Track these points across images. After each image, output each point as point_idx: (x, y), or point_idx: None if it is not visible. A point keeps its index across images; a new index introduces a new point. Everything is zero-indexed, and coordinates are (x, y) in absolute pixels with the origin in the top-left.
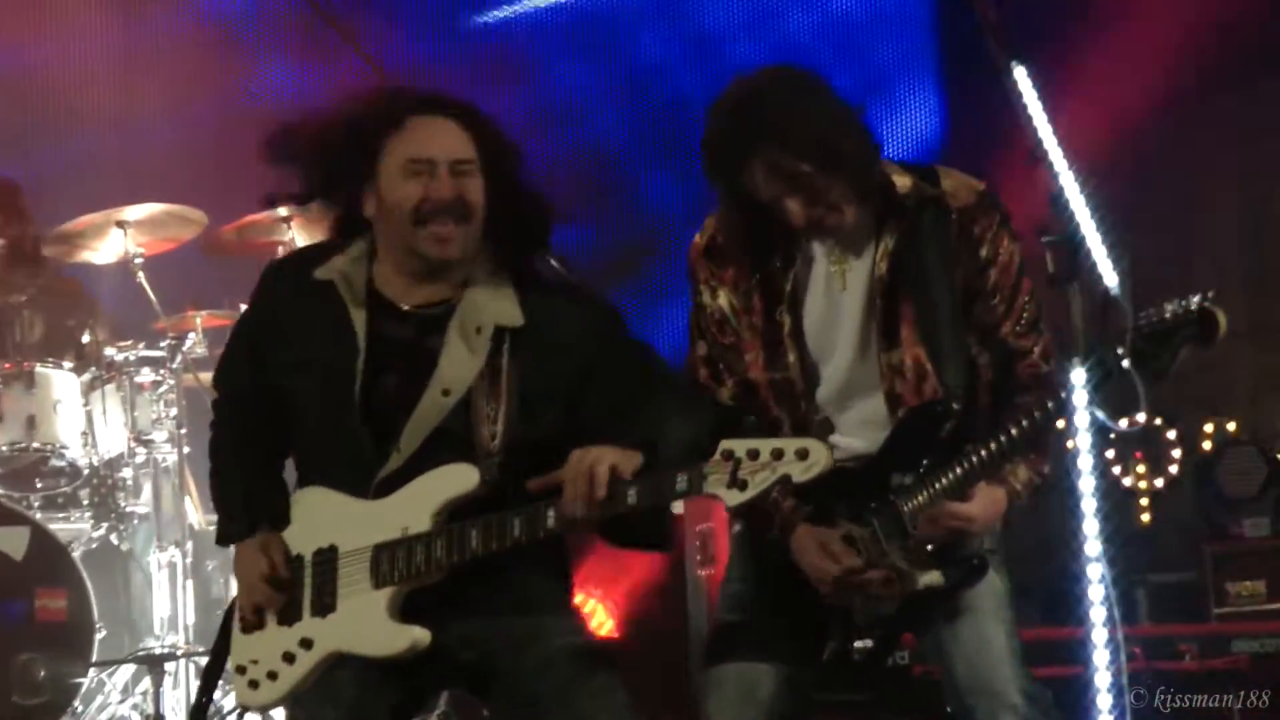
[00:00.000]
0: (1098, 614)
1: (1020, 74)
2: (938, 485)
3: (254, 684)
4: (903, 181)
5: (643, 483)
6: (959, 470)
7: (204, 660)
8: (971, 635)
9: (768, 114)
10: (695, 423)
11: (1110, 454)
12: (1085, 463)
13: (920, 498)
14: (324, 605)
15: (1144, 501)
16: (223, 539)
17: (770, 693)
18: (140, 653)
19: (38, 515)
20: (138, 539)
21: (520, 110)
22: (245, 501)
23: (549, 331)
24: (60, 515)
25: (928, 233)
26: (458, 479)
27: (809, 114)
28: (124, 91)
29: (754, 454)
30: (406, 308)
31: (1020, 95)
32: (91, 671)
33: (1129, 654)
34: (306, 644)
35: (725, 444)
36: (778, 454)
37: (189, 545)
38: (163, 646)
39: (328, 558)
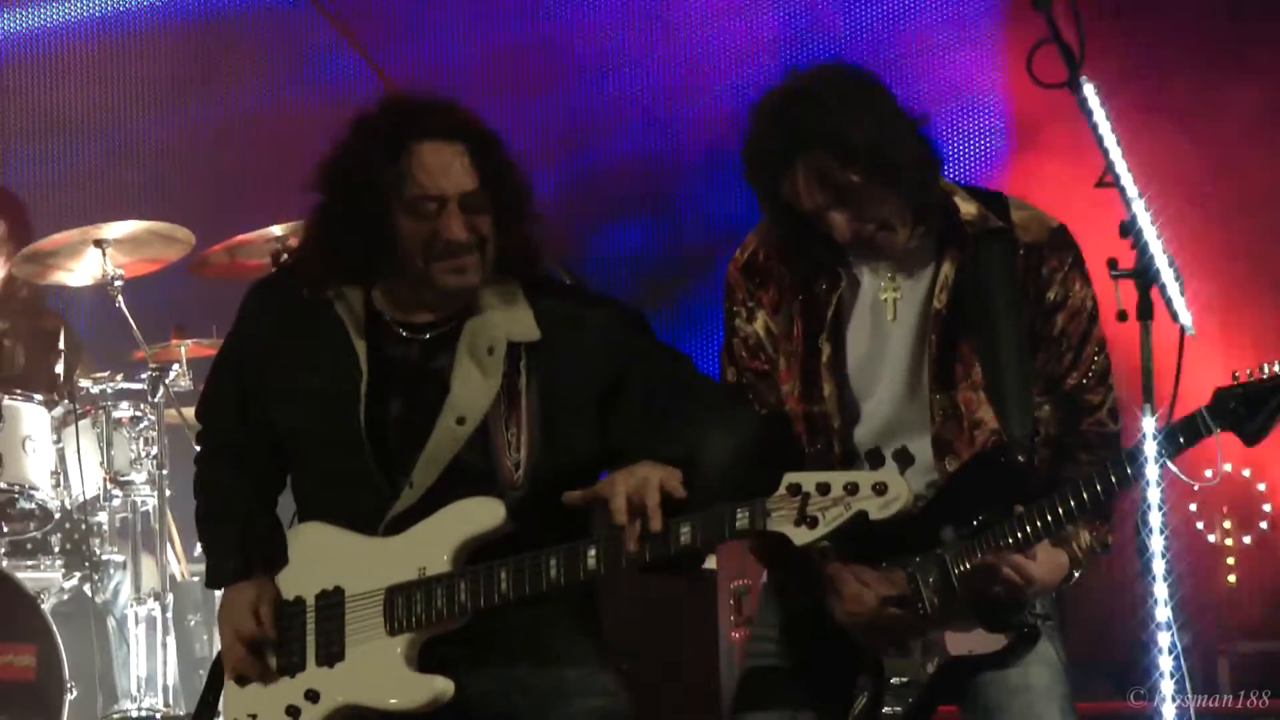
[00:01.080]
0: (1168, 686)
1: (1089, 91)
2: (991, 544)
3: None
4: (967, 208)
5: (698, 519)
6: (1019, 533)
7: None
8: (1023, 713)
9: (817, 115)
10: (738, 434)
11: (1193, 507)
12: (1155, 519)
13: (973, 557)
14: (331, 654)
15: (1230, 560)
16: (213, 581)
17: None
18: (115, 715)
19: (4, 562)
20: (114, 590)
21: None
22: (238, 540)
23: (570, 343)
24: (29, 563)
25: (993, 266)
26: (481, 514)
27: (863, 118)
28: (105, 98)
29: (824, 488)
30: (407, 329)
31: (1090, 114)
32: None
33: None
34: (313, 696)
35: (791, 477)
36: (852, 488)
37: (169, 598)
38: (140, 710)
39: (333, 601)
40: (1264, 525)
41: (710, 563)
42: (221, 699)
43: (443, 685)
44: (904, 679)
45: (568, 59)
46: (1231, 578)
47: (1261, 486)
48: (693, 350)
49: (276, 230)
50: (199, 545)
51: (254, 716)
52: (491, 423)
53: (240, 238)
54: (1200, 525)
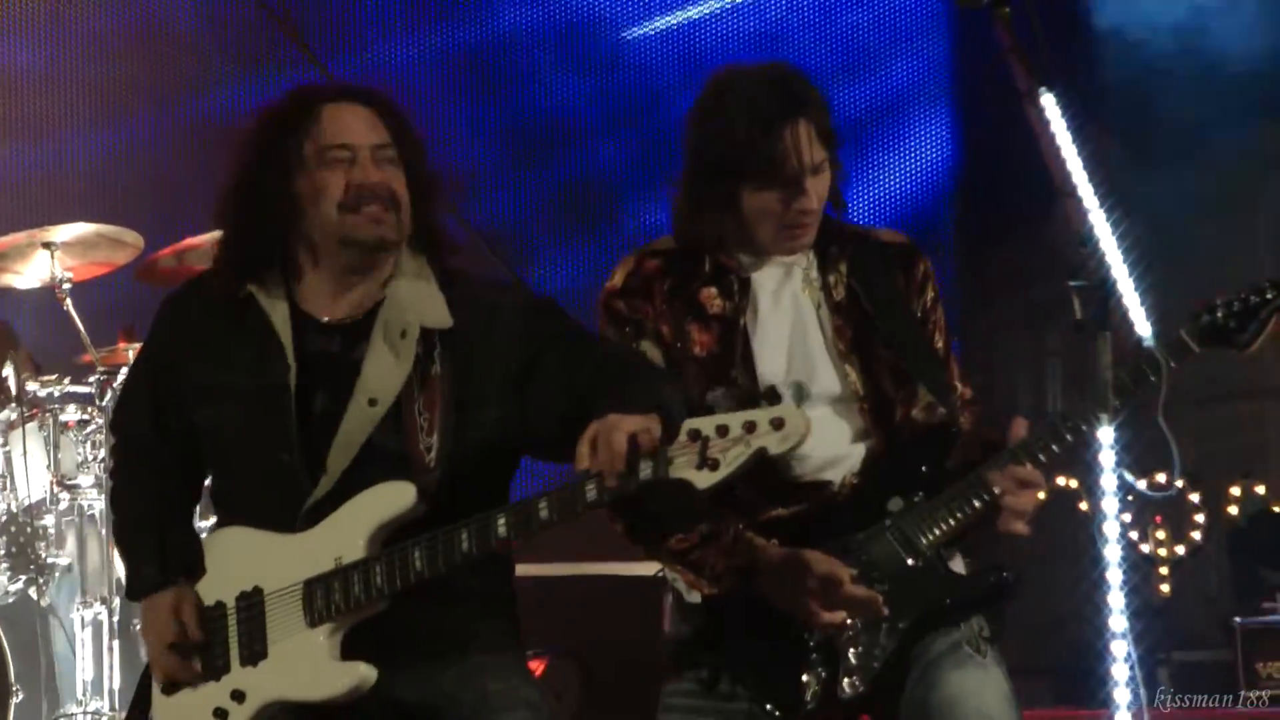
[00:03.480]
0: (1123, 695)
1: (1048, 101)
2: (959, 512)
3: None
4: (837, 222)
5: (598, 476)
6: (977, 501)
7: None
8: None
9: (806, 85)
10: (680, 390)
11: (1126, 517)
12: (1111, 529)
13: (942, 524)
14: (254, 653)
15: (1164, 571)
16: (132, 593)
17: None
18: (61, 719)
19: None
20: (59, 594)
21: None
22: (155, 549)
23: (482, 330)
24: None
25: (875, 264)
26: (393, 498)
27: (827, 106)
28: (53, 100)
29: (723, 430)
30: (329, 320)
31: (1048, 124)
32: None
33: None
34: (239, 696)
35: (690, 423)
36: (750, 426)
37: (116, 602)
38: (85, 713)
39: (254, 601)
40: (1197, 536)
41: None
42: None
43: (365, 671)
44: (860, 647)
45: (521, 64)
46: (1165, 587)
47: (1195, 498)
48: None
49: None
50: None
51: None
52: (404, 405)
53: (189, 241)
54: (1135, 536)
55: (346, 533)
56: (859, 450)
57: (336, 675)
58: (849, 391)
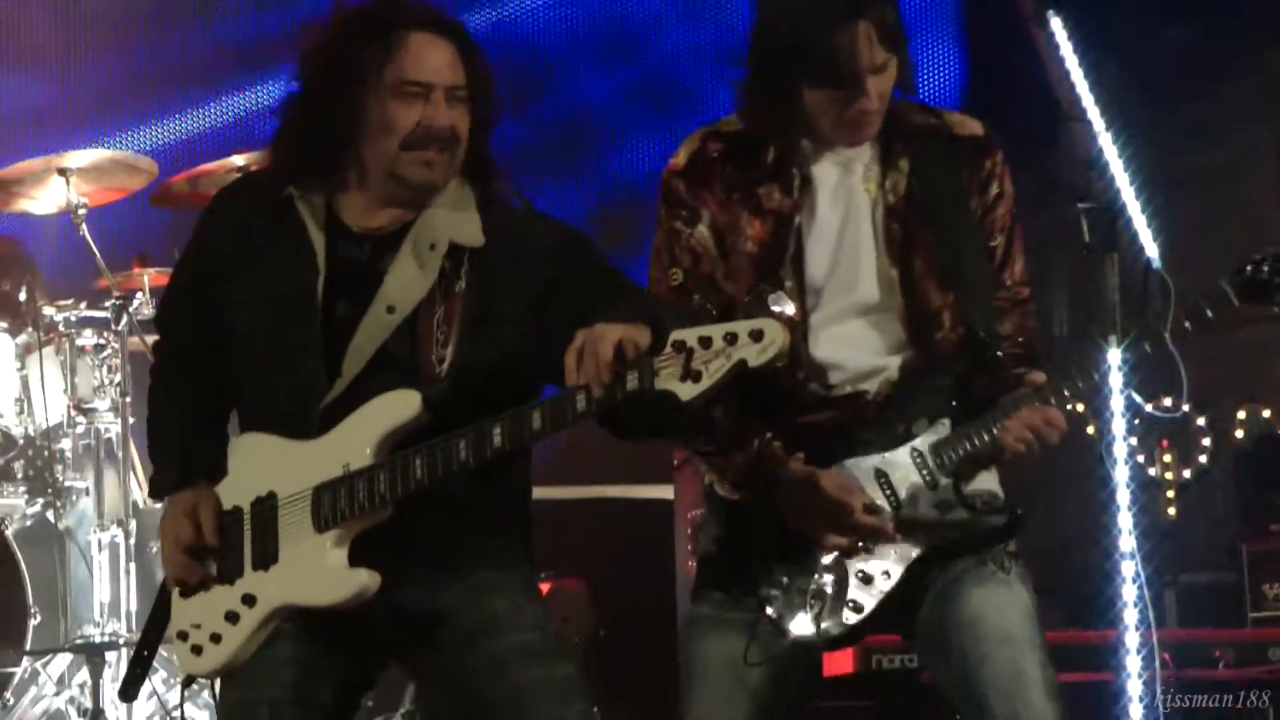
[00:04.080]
0: (1131, 616)
1: (1056, 26)
2: (977, 439)
3: (197, 649)
4: (908, 108)
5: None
6: (992, 432)
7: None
8: (1008, 667)
9: None
10: (687, 318)
11: (1134, 441)
12: (1120, 450)
13: (959, 449)
14: (266, 557)
15: (1170, 494)
16: (155, 491)
17: (758, 683)
18: (78, 641)
19: None
20: (77, 517)
21: None
22: (181, 452)
23: (511, 252)
24: None
25: (939, 163)
26: (398, 406)
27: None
28: (68, 31)
29: (706, 341)
30: (361, 230)
31: (1056, 48)
32: (25, 661)
33: (1161, 660)
34: (250, 600)
35: (675, 334)
36: (730, 338)
37: (133, 525)
38: (103, 634)
39: (267, 506)
40: (1203, 460)
41: (668, 493)
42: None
43: (367, 579)
44: (869, 574)
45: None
46: (1172, 510)
47: (1201, 421)
48: None
49: (238, 160)
50: None
51: (197, 625)
52: (422, 316)
53: (202, 167)
54: (1140, 459)
55: (354, 440)
56: (895, 363)
57: (340, 582)
58: (891, 300)
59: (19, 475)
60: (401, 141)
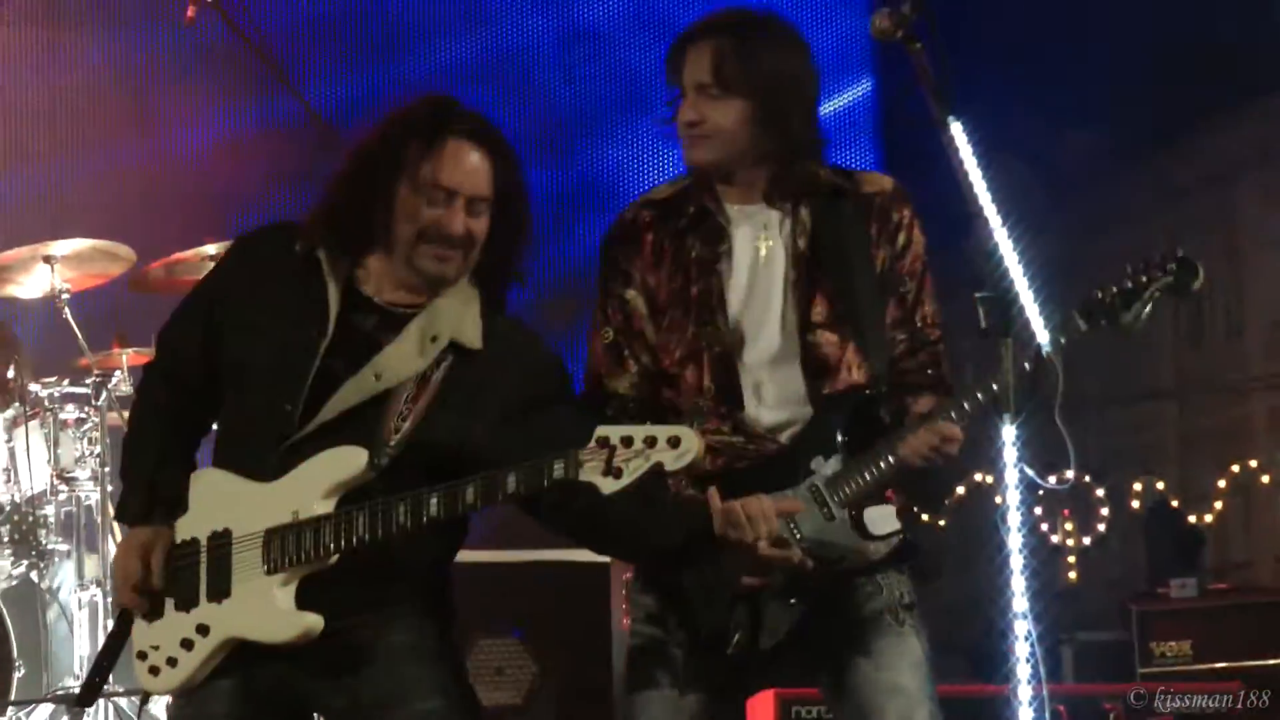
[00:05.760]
0: (1023, 671)
1: (957, 129)
2: (871, 471)
3: (154, 670)
4: (821, 170)
5: (522, 469)
6: (886, 461)
7: (123, 701)
8: (899, 717)
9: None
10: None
11: (1038, 510)
12: (1014, 519)
13: (854, 482)
14: (220, 590)
15: (1071, 559)
16: (120, 515)
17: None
18: (59, 691)
19: None
20: (59, 577)
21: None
22: (150, 482)
23: (502, 360)
24: None
25: (846, 217)
26: (345, 461)
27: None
28: (53, 127)
29: (628, 441)
30: (378, 301)
31: (956, 151)
32: (10, 711)
33: (1054, 712)
34: (203, 630)
35: (600, 430)
36: (650, 441)
37: (110, 584)
38: (81, 686)
39: (223, 542)
40: (1101, 528)
41: (605, 557)
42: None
43: (311, 622)
44: (779, 601)
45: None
46: (1073, 574)
47: (1099, 492)
48: None
49: (210, 249)
50: None
51: (156, 648)
52: (399, 392)
53: (177, 255)
54: (1045, 527)
55: (306, 489)
56: (799, 410)
57: (287, 622)
58: (792, 348)
59: (5, 539)
60: (419, 233)
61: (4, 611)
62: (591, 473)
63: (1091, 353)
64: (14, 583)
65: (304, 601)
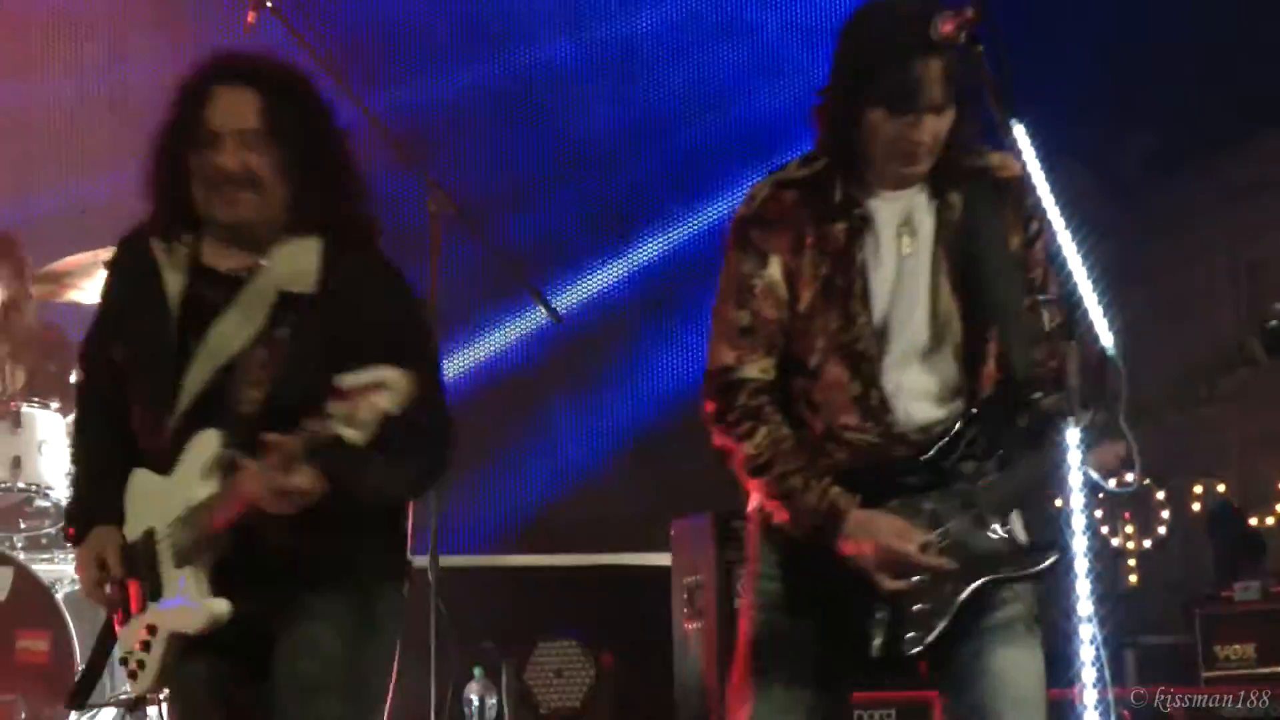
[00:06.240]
0: (1089, 675)
1: (1019, 132)
2: (1030, 477)
3: (133, 674)
4: (957, 152)
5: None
6: (1040, 458)
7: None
8: None
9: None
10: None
11: (1099, 513)
12: (1078, 522)
13: (1003, 486)
14: (155, 589)
15: (1131, 562)
16: (68, 538)
17: (813, 704)
18: (122, 696)
19: (21, 556)
20: None
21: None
22: (83, 498)
23: (341, 304)
24: (44, 556)
25: (987, 201)
26: (205, 445)
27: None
28: (116, 135)
29: (358, 389)
30: (221, 271)
31: (1020, 153)
32: (73, 715)
33: (1118, 716)
34: (152, 630)
35: (339, 380)
36: (370, 387)
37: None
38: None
39: (150, 541)
40: (1162, 531)
41: (665, 560)
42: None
43: (216, 608)
44: (925, 605)
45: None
46: (1133, 578)
47: (1160, 495)
48: None
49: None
50: None
51: (130, 652)
52: (245, 359)
53: None
54: (1105, 530)
55: (190, 477)
56: (948, 406)
57: (199, 611)
58: (943, 340)
59: (68, 544)
60: (206, 183)
61: (67, 616)
62: (339, 425)
63: (1154, 355)
64: (77, 587)
65: (225, 589)
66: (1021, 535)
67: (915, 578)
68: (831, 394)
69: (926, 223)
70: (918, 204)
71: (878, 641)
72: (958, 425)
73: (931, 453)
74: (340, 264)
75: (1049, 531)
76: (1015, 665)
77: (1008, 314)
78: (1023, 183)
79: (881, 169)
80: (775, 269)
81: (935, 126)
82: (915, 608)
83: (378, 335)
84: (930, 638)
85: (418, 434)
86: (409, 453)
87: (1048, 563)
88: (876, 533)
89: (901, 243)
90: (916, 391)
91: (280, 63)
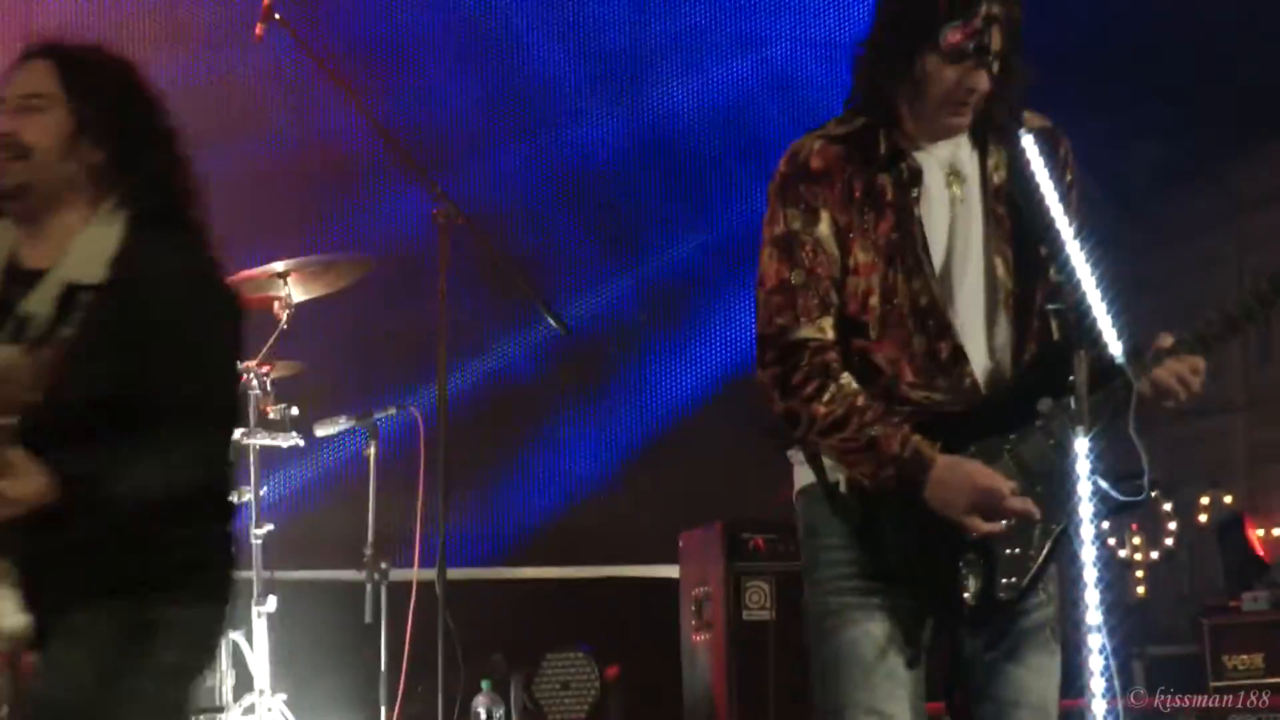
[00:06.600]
0: (1098, 685)
1: (1027, 142)
2: (1108, 405)
3: None
4: (992, 110)
5: None
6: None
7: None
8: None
9: None
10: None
11: (1105, 525)
12: (1087, 532)
13: (1089, 426)
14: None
15: (1139, 574)
16: None
17: (911, 667)
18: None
19: None
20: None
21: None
22: None
23: (127, 292)
24: None
25: (1029, 152)
26: None
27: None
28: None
29: None
30: (28, 268)
31: (1028, 163)
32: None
33: None
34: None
35: None
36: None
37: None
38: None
39: None
40: (1169, 542)
41: (673, 571)
42: None
43: (9, 623)
44: (1016, 549)
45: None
46: (1141, 589)
47: (1167, 507)
48: None
49: (278, 267)
50: None
51: None
52: (36, 357)
53: (243, 273)
54: (1112, 541)
55: None
56: (1007, 346)
57: (6, 627)
58: (999, 286)
59: None
60: None
61: None
62: None
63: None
64: None
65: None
66: (1107, 471)
67: (1006, 521)
68: (897, 352)
69: (973, 172)
70: (962, 154)
71: (973, 589)
72: (1016, 360)
73: (1006, 395)
74: (138, 247)
75: (1135, 465)
76: (1039, 672)
77: (1053, 261)
78: (1054, 131)
79: (930, 119)
80: (825, 225)
81: (991, 75)
82: (1007, 552)
83: (159, 335)
84: (1025, 582)
85: (176, 424)
86: (167, 446)
87: (1140, 496)
88: (966, 476)
89: (953, 191)
90: (980, 342)
91: (85, 39)
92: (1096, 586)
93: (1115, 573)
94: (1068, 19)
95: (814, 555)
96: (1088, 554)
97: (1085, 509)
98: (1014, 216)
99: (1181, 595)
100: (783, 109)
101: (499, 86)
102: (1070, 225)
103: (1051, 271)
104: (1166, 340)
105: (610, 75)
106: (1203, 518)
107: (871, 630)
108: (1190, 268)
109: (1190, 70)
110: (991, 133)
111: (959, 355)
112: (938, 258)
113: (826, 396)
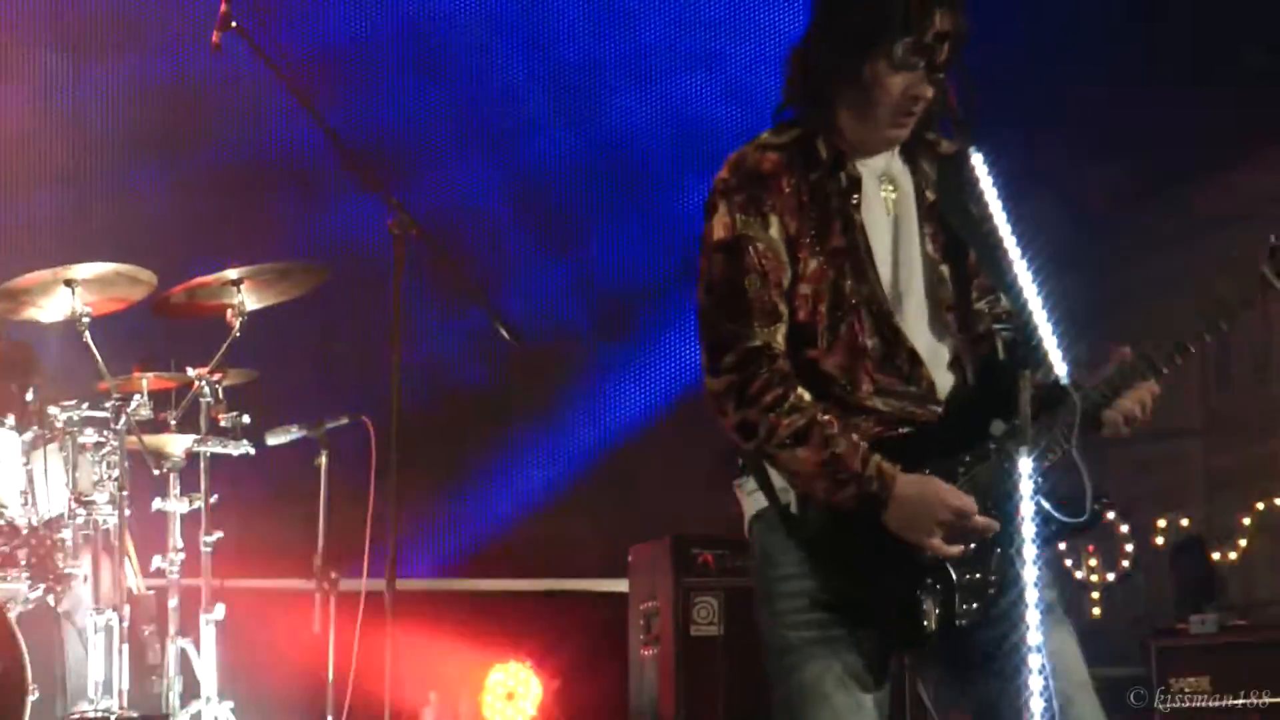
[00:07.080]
0: (1037, 705)
1: (978, 160)
2: (1061, 434)
3: None
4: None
5: None
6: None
7: None
8: (1094, 714)
9: None
10: None
11: (1062, 546)
12: (1029, 553)
13: (1033, 438)
14: None
15: (1095, 595)
16: None
17: (876, 697)
18: (74, 716)
19: None
20: (75, 601)
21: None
22: None
23: None
24: None
25: (953, 170)
26: None
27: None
28: (76, 150)
29: None
30: None
31: (977, 181)
32: None
33: None
34: None
35: None
36: None
37: (126, 609)
38: (96, 710)
39: None
40: (1125, 564)
41: (622, 585)
42: None
43: None
44: (977, 573)
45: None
46: (1096, 610)
47: (1124, 529)
48: None
49: (232, 274)
50: (154, 560)
51: None
52: None
53: (198, 280)
54: (1069, 563)
55: None
56: (954, 361)
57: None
58: (939, 299)
59: (22, 562)
60: None
61: (19, 636)
62: None
63: None
64: (30, 606)
65: None
66: (1060, 494)
67: (969, 543)
68: (852, 359)
69: (906, 185)
70: (895, 166)
71: (933, 615)
72: (964, 379)
73: (955, 412)
74: None
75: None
76: (1068, 647)
77: (1000, 277)
78: (964, 154)
79: (873, 129)
80: (775, 230)
81: (935, 86)
82: (966, 577)
83: None
84: (983, 609)
85: None
86: None
87: (1081, 518)
88: (936, 494)
89: (888, 201)
90: (931, 350)
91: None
92: (1037, 607)
93: (1071, 594)
94: (1027, 36)
95: (770, 586)
96: (1029, 574)
97: (1028, 529)
98: (947, 232)
99: (1137, 617)
100: (738, 123)
101: (456, 98)
102: (1014, 245)
103: (998, 293)
104: (1126, 355)
105: (567, 87)
106: (1159, 540)
107: (833, 667)
108: (1146, 288)
109: (1151, 90)
110: (918, 151)
111: (915, 358)
112: (884, 266)
113: (787, 406)
